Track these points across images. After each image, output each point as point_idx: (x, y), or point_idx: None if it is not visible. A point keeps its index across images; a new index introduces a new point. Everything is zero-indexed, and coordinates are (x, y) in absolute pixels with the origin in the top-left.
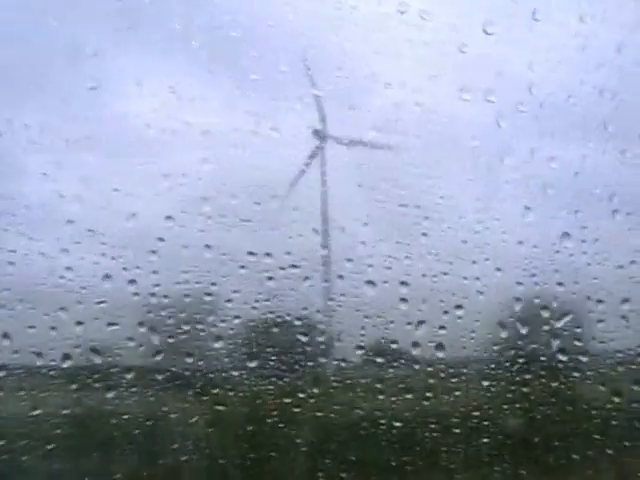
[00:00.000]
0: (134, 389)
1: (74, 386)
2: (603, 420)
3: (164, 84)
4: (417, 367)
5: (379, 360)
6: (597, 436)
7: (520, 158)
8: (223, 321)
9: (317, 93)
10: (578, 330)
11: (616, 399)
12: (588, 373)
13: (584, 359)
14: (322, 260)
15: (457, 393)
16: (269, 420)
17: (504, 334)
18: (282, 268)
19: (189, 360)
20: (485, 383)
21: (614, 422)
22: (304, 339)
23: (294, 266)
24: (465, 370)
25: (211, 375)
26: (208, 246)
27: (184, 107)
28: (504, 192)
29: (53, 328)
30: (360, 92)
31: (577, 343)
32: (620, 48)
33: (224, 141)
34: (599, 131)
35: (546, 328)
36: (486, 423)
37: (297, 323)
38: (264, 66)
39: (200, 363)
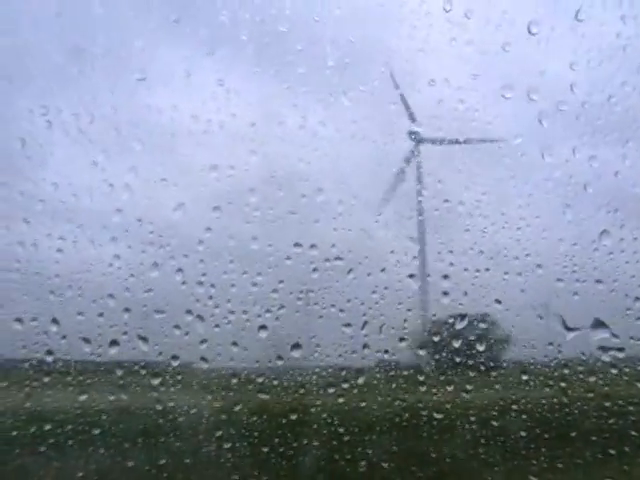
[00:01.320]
0: (179, 377)
1: (120, 372)
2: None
3: (211, 77)
4: (458, 360)
5: (421, 352)
6: (633, 432)
7: (561, 157)
8: (268, 311)
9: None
10: (615, 328)
11: None
12: (626, 370)
13: (622, 356)
14: (419, 256)
15: (497, 386)
16: (313, 409)
17: (543, 329)
18: (327, 260)
19: (234, 349)
20: (524, 377)
21: None
22: (347, 330)
23: (339, 258)
24: (505, 364)
25: (256, 364)
26: (254, 237)
27: (231, 100)
28: (545, 190)
29: (101, 315)
30: (404, 88)
31: (615, 340)
32: None
33: (271, 134)
34: (639, 131)
35: (584, 324)
36: (524, 417)
37: (341, 315)
38: (310, 60)
39: (245, 352)
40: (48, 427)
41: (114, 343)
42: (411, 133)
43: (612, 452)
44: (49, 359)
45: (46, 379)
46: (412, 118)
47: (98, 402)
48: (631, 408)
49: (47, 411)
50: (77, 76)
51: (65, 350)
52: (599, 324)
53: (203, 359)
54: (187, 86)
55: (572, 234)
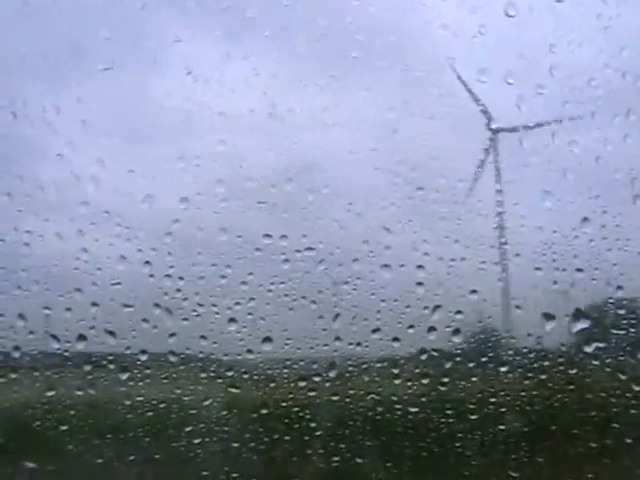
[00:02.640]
0: (148, 371)
1: (88, 367)
2: (622, 409)
3: (179, 65)
4: (433, 352)
5: (395, 345)
6: (615, 425)
7: (540, 142)
8: (238, 304)
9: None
10: (597, 317)
11: (636, 387)
12: (607, 361)
13: (603, 346)
14: (498, 249)
15: (474, 379)
16: (284, 404)
17: (522, 319)
18: (298, 251)
19: (203, 343)
20: (503, 369)
21: (633, 411)
22: (319, 322)
23: (310, 249)
24: (481, 356)
25: (225, 358)
26: (223, 228)
27: (198, 89)
28: (523, 176)
29: (68, 309)
30: (379, 72)
31: (596, 330)
32: None
33: (240, 123)
34: (621, 115)
35: (564, 314)
36: (503, 410)
37: (312, 307)
38: (280, 47)
39: (214, 346)
40: (15, 424)
41: (82, 338)
42: (490, 128)
43: (594, 445)
44: (16, 355)
45: (13, 375)
46: (487, 115)
47: (66, 397)
48: (613, 400)
49: (14, 407)
50: (42, 68)
51: (32, 345)
52: (580, 314)
53: (172, 353)
54: (154, 76)
55: (551, 221)
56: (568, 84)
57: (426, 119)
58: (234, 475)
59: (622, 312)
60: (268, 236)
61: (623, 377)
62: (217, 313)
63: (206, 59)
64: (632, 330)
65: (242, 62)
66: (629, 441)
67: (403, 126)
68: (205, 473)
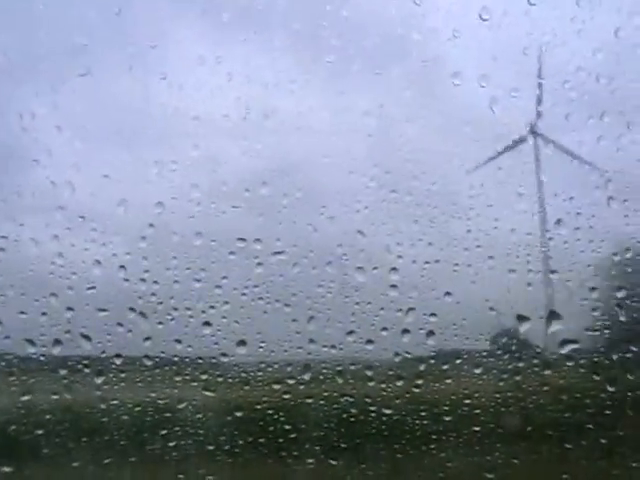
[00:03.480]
0: (123, 375)
1: (64, 371)
2: (596, 409)
3: (155, 71)
4: (407, 354)
5: (369, 347)
6: (590, 426)
7: (510, 141)
8: (212, 307)
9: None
10: (572, 318)
11: (610, 388)
12: (581, 362)
13: (577, 347)
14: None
15: (448, 381)
16: (258, 406)
17: (496, 322)
18: (272, 254)
19: (178, 346)
20: (477, 371)
21: (608, 412)
22: (293, 325)
23: (283, 252)
24: (456, 358)
25: (200, 361)
26: (198, 232)
27: (174, 94)
28: (497, 178)
29: (44, 314)
30: (351, 77)
31: (570, 331)
32: (617, 32)
33: (214, 128)
34: (595, 117)
35: (539, 316)
36: (477, 411)
37: (287, 310)
38: (255, 51)
39: (189, 349)
40: None
41: (57, 342)
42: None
43: (569, 446)
44: None
45: None
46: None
47: (42, 402)
48: (588, 401)
49: None
50: (17, 74)
51: (8, 350)
52: (554, 315)
53: (147, 357)
54: (130, 81)
55: (525, 223)
56: (542, 86)
57: (402, 122)
58: (209, 478)
59: (596, 314)
60: (242, 240)
61: (597, 378)
62: (192, 317)
63: (181, 64)
64: (606, 331)
65: (217, 66)
66: (604, 442)
67: (377, 130)
68: (180, 476)
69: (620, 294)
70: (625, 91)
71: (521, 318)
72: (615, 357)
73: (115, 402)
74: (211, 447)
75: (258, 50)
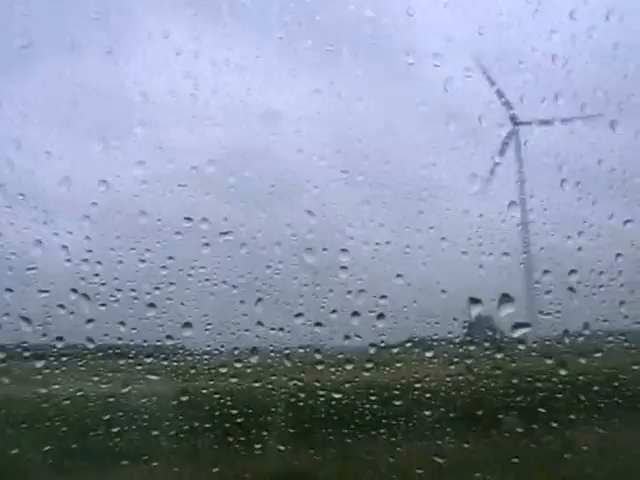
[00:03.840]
0: (65, 359)
1: (2, 355)
2: (548, 393)
3: (99, 45)
4: (357, 337)
5: (318, 330)
6: (542, 409)
7: (468, 125)
8: (157, 288)
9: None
10: (524, 301)
11: (562, 372)
12: (533, 345)
13: (529, 330)
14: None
15: (398, 365)
16: (204, 391)
17: (447, 304)
18: (218, 234)
19: (122, 329)
20: (428, 354)
21: (560, 395)
22: (241, 307)
23: (231, 232)
24: (407, 341)
25: (144, 344)
26: (143, 211)
27: (120, 69)
28: (450, 159)
29: None
30: (302, 57)
31: (523, 314)
32: (572, 14)
33: (161, 104)
34: (549, 99)
35: (491, 298)
36: (428, 396)
37: (234, 292)
38: (204, 26)
39: (133, 332)
40: None
41: None
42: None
43: (520, 430)
44: None
45: None
46: (509, 106)
47: None
48: (539, 385)
49: None
50: None
51: None
52: (506, 298)
53: (89, 339)
54: (74, 56)
55: (478, 205)
56: (496, 67)
57: (353, 101)
58: (154, 464)
59: (549, 297)
60: (188, 219)
61: (549, 362)
62: (136, 298)
63: (127, 38)
64: (558, 315)
65: (165, 41)
66: (555, 425)
67: (327, 108)
68: (124, 462)
69: (573, 277)
70: (580, 73)
71: (473, 301)
72: (567, 341)
73: (56, 387)
74: (156, 432)
75: (207, 26)
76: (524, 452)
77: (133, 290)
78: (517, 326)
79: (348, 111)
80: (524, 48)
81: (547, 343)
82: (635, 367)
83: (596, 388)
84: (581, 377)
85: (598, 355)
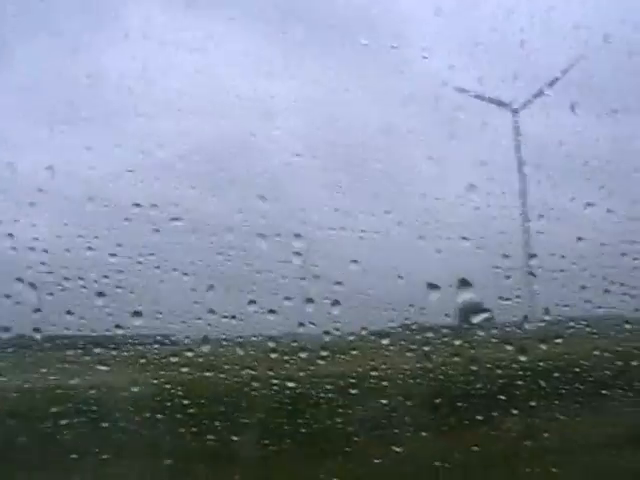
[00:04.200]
0: (10, 350)
1: None
2: (508, 380)
3: (44, 28)
4: (312, 325)
5: (271, 317)
6: (501, 396)
7: (424, 106)
8: (106, 277)
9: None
10: (483, 287)
11: (522, 358)
12: (493, 331)
13: (489, 316)
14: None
15: (354, 352)
16: (155, 381)
17: (404, 289)
18: (169, 220)
19: (70, 318)
20: (384, 342)
21: (520, 382)
22: (192, 295)
23: (181, 218)
24: (362, 328)
25: (93, 334)
26: (91, 197)
27: (66, 50)
28: (406, 141)
29: None
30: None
31: (481, 300)
32: None
33: (109, 84)
34: (508, 80)
35: (449, 284)
36: (385, 384)
37: (185, 279)
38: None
39: (82, 321)
40: None
41: None
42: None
43: (479, 417)
44: None
45: None
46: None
47: None
48: (499, 372)
49: None
50: None
51: None
52: (465, 283)
53: (36, 330)
54: (19, 37)
55: (435, 188)
56: (454, 49)
57: (307, 83)
58: (104, 457)
59: (508, 282)
60: (137, 205)
61: (509, 348)
62: (84, 287)
63: (77, 18)
64: (518, 300)
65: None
66: (515, 412)
67: (277, 90)
68: (74, 456)
69: (533, 262)
70: (537, 53)
71: (430, 286)
72: (528, 327)
73: (2, 379)
74: (105, 424)
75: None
76: (484, 440)
77: (81, 279)
78: (476, 312)
79: (300, 93)
80: (482, 29)
81: (507, 329)
82: (596, 353)
83: (557, 374)
84: (541, 363)
85: (559, 341)
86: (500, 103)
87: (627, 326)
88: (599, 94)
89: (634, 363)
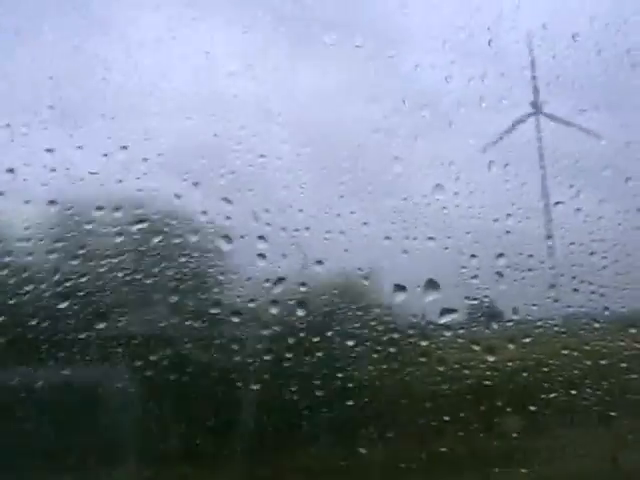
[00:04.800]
0: None
1: None
2: (475, 381)
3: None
4: (276, 327)
5: (235, 319)
6: (468, 397)
7: (387, 106)
8: (68, 280)
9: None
10: (449, 287)
11: (490, 358)
12: (460, 332)
13: (456, 316)
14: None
15: (319, 354)
16: (119, 385)
17: (370, 291)
18: (132, 223)
19: (32, 322)
20: (350, 343)
21: (487, 382)
22: (155, 297)
23: (144, 221)
24: (327, 329)
25: (55, 337)
26: (52, 201)
27: (27, 47)
28: (371, 142)
29: None
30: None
31: (449, 300)
32: None
33: (70, 85)
34: (476, 78)
35: (416, 284)
36: (350, 385)
37: (147, 282)
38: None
39: (44, 325)
40: None
41: None
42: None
43: (447, 419)
44: None
45: None
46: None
47: None
48: (467, 372)
49: None
50: None
51: None
52: (431, 284)
53: None
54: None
55: (401, 188)
56: (420, 46)
57: (270, 72)
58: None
59: (476, 282)
60: (100, 208)
61: (477, 348)
62: (46, 291)
63: (32, 14)
64: (485, 300)
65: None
66: (484, 412)
67: (240, 85)
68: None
69: (501, 262)
70: (507, 53)
71: (397, 287)
72: (495, 327)
73: None
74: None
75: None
76: (450, 442)
77: (42, 283)
78: (443, 312)
79: (264, 91)
80: (449, 26)
81: (474, 329)
82: (565, 352)
83: (525, 374)
84: (510, 363)
85: (527, 340)
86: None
87: (596, 325)
88: (567, 93)
89: (603, 362)
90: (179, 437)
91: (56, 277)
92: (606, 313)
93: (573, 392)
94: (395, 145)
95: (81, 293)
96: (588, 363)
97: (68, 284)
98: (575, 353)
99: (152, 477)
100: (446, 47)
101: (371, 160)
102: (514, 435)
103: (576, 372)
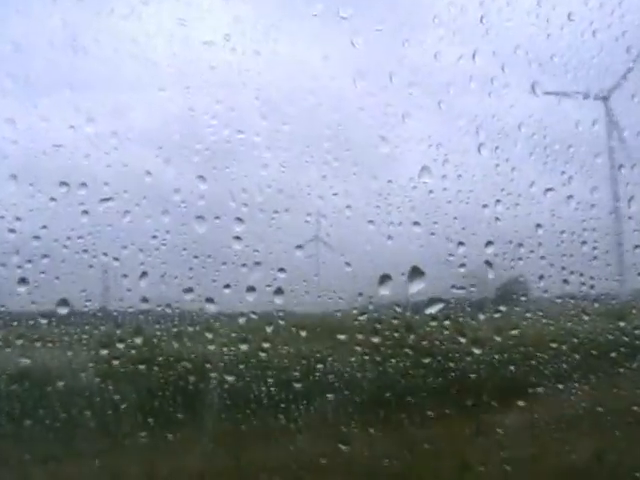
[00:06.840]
0: None
1: None
2: (461, 373)
3: None
4: (253, 315)
5: (210, 307)
6: (454, 390)
7: (374, 83)
8: (29, 261)
9: None
10: (436, 276)
11: (476, 350)
12: (446, 323)
13: (442, 306)
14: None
15: (299, 344)
16: (83, 374)
17: (352, 276)
18: (99, 201)
19: None
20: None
21: (473, 375)
22: (124, 282)
23: (112, 199)
24: (307, 318)
25: (15, 323)
26: (13, 175)
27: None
28: (356, 120)
29: None
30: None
31: (434, 289)
32: None
33: (32, 51)
34: (465, 57)
35: (400, 272)
36: (331, 377)
37: (115, 264)
38: None
39: (2, 309)
40: None
41: None
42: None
43: (430, 414)
44: None
45: None
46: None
47: None
48: (452, 364)
49: None
50: None
51: None
52: (417, 272)
53: None
54: None
55: (386, 171)
56: (408, 22)
57: (251, 55)
58: (26, 456)
59: (463, 270)
60: (65, 184)
61: (463, 340)
62: (6, 273)
63: None
64: (472, 289)
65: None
66: (470, 405)
67: (218, 62)
68: None
69: (489, 250)
70: (499, 31)
71: (380, 275)
72: (482, 317)
73: None
74: (29, 421)
75: None
76: (435, 437)
77: (2, 265)
78: (429, 302)
79: (244, 66)
80: (439, 2)
81: (460, 320)
82: (553, 345)
83: (512, 367)
84: (497, 356)
85: (515, 332)
86: (586, 95)
87: (585, 317)
88: (562, 75)
89: (592, 354)
90: None
91: (15, 258)
92: (595, 305)
93: (560, 386)
94: (381, 124)
95: (43, 276)
96: (576, 356)
97: (29, 266)
98: (563, 346)
99: None
100: (435, 22)
101: (356, 139)
102: (499, 430)
103: (564, 365)
